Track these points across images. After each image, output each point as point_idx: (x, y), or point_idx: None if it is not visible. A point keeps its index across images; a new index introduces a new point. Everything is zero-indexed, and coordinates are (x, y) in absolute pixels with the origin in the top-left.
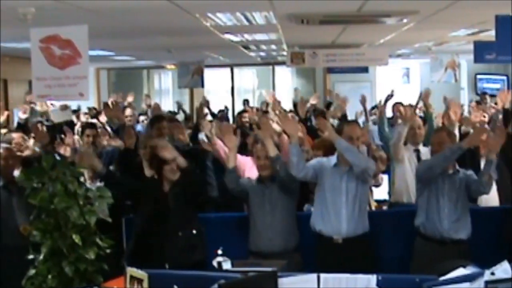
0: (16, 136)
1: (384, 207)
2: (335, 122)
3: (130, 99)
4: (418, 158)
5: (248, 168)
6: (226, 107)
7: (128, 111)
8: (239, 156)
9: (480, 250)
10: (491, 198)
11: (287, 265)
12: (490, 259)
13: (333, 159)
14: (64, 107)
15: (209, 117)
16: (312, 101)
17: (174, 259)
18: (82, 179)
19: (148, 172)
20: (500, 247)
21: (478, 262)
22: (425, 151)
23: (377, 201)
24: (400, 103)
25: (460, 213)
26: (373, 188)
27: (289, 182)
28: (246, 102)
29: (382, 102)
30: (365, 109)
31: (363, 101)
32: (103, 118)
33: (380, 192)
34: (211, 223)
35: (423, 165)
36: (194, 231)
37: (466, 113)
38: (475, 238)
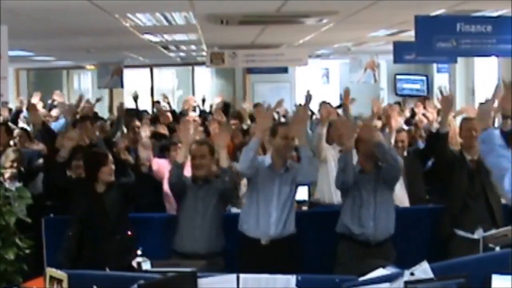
0: None
1: (304, 208)
2: None
3: (35, 100)
4: None
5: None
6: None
7: (54, 112)
8: (157, 160)
9: (404, 250)
10: (402, 198)
11: (209, 268)
12: (414, 259)
13: (267, 159)
14: None
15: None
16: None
17: (114, 262)
18: (1, 179)
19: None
20: (424, 247)
21: (407, 264)
22: None
23: (297, 202)
24: (328, 103)
25: (385, 211)
26: None
27: (229, 193)
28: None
29: (302, 103)
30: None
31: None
32: None
33: (300, 193)
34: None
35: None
36: (129, 233)
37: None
38: (401, 238)
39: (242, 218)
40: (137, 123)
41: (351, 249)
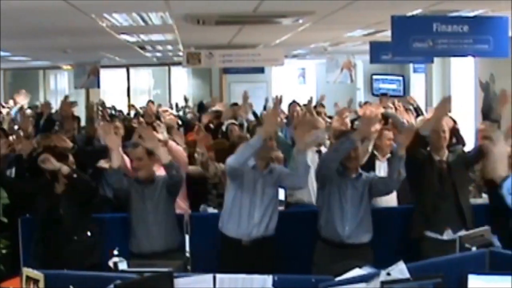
0: None
1: (281, 208)
2: None
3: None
4: None
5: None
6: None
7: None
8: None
9: (382, 251)
10: (390, 199)
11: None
12: (392, 259)
13: (251, 160)
14: None
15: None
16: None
17: (71, 263)
18: None
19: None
20: (397, 248)
21: (380, 264)
22: None
23: None
24: (297, 103)
25: (362, 217)
26: None
27: (178, 185)
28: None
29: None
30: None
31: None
32: None
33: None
34: (107, 224)
35: (319, 162)
36: (89, 233)
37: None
38: (377, 239)
39: (223, 218)
40: (118, 123)
41: (327, 250)
